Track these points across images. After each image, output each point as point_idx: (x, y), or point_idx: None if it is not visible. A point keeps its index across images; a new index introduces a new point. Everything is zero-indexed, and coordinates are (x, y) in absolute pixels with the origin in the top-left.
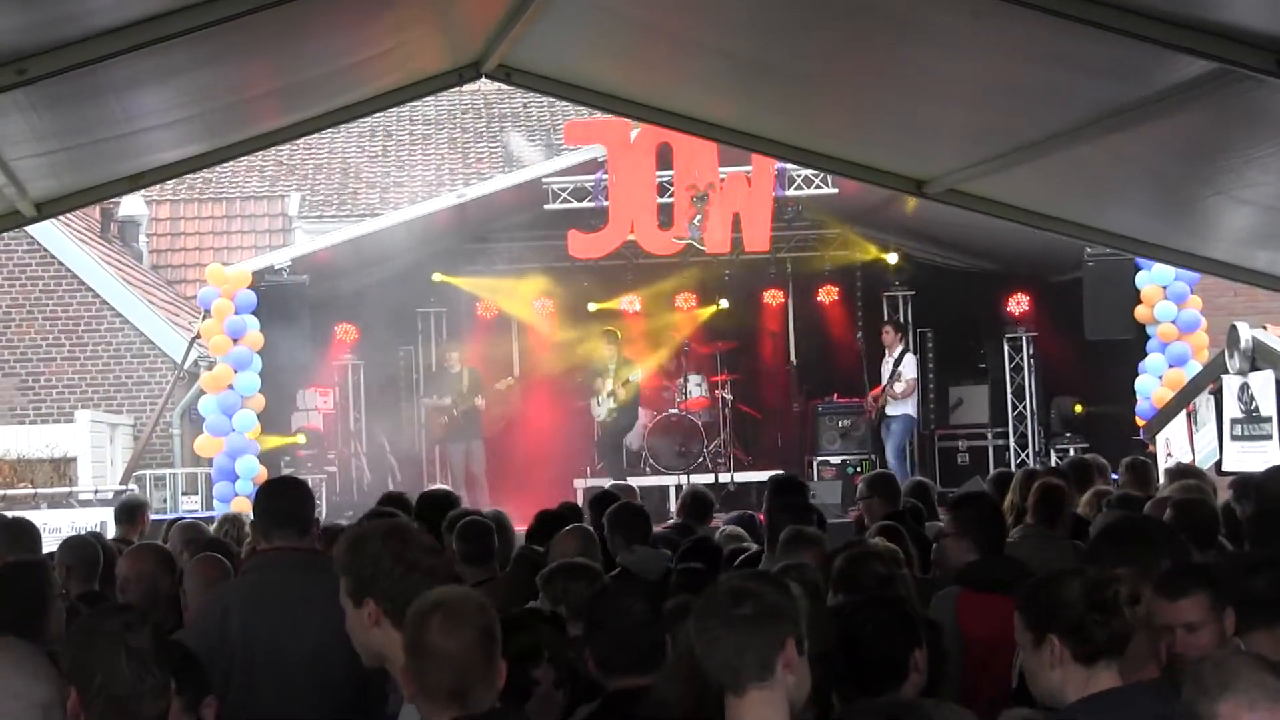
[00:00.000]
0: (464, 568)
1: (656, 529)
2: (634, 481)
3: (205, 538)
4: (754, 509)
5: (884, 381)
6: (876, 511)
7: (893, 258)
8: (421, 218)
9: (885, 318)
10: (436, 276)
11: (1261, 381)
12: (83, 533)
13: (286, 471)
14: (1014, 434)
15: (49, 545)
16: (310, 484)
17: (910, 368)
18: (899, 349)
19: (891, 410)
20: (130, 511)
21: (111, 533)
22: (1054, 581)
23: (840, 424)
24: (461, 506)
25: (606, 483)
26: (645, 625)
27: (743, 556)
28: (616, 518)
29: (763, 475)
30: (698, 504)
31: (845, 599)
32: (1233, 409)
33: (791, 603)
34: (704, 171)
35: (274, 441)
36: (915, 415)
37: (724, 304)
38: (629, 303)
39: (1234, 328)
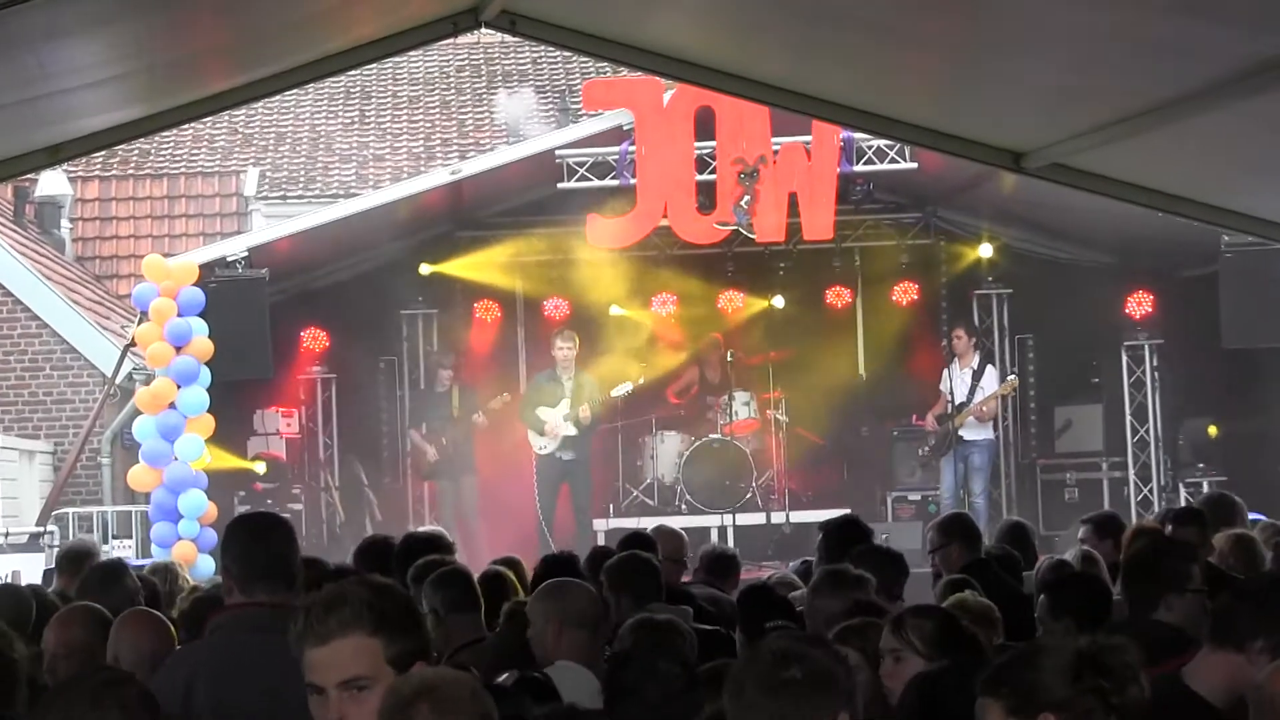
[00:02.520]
0: (453, 616)
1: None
2: (667, 523)
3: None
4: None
5: (962, 397)
6: (955, 562)
7: (986, 249)
8: (407, 199)
9: (976, 320)
10: (425, 269)
11: None
12: (18, 583)
13: (241, 510)
14: (1134, 464)
15: None
16: None
17: (994, 381)
18: (975, 357)
19: (972, 434)
20: (77, 559)
21: (28, 581)
22: (1039, 651)
23: (920, 452)
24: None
25: (634, 523)
26: (684, 693)
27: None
28: (619, 575)
29: (826, 515)
30: (719, 565)
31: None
32: None
33: (847, 673)
34: (753, 142)
35: (225, 461)
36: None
37: (778, 304)
38: (661, 303)
39: None
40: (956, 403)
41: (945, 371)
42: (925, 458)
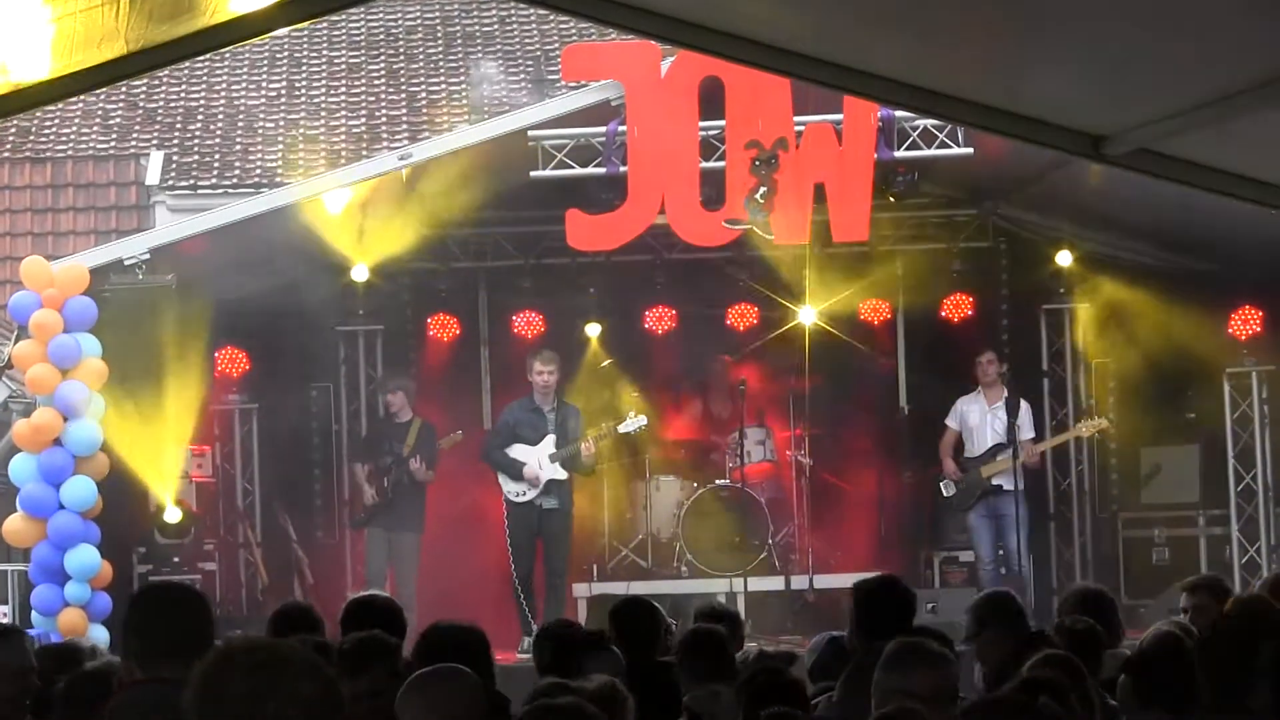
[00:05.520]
0: None
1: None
2: (664, 587)
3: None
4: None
5: (994, 439)
6: (996, 650)
7: (1064, 257)
8: (345, 189)
9: (1044, 340)
10: (362, 273)
11: None
12: None
13: (142, 570)
14: (1238, 518)
15: None
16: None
17: (1030, 421)
18: (1004, 391)
19: (1009, 482)
20: None
21: None
22: None
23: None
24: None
25: (624, 589)
26: None
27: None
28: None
29: (858, 580)
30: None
31: None
32: None
33: None
34: (771, 122)
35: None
36: None
37: (801, 320)
38: (657, 318)
39: None
40: (989, 445)
41: (960, 407)
42: (955, 511)
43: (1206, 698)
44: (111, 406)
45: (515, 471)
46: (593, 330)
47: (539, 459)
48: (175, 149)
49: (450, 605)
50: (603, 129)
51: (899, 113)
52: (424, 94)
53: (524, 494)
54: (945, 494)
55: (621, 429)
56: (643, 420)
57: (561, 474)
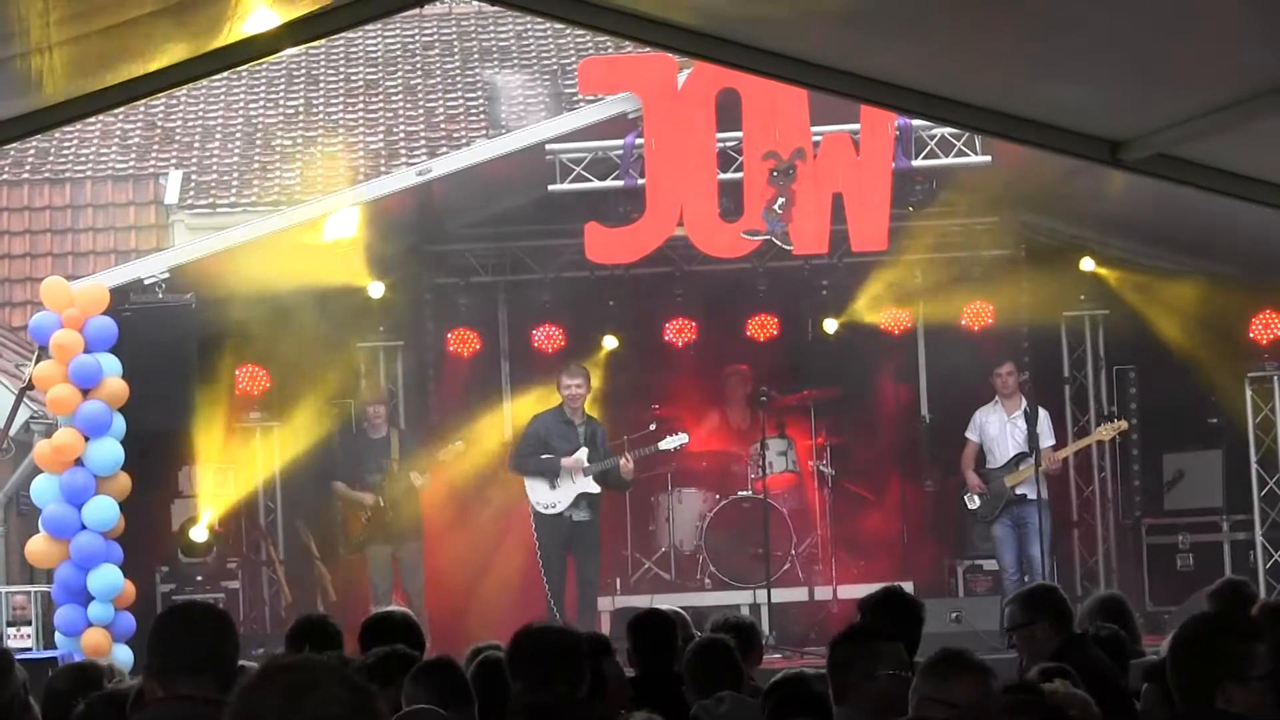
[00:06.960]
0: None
1: None
2: (687, 600)
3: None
4: None
5: (1015, 448)
6: (1043, 644)
7: (1086, 264)
8: (364, 206)
9: (1065, 346)
10: (380, 289)
11: None
12: None
13: (165, 589)
14: (1262, 523)
15: None
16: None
17: (1049, 429)
18: (1023, 401)
19: (1032, 491)
20: None
21: None
22: None
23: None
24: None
25: (646, 601)
26: None
27: None
28: (703, 660)
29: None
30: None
31: None
32: None
33: None
34: (789, 133)
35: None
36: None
37: (824, 329)
38: (677, 330)
39: None
40: (1011, 455)
41: (979, 418)
42: (980, 521)
43: (1179, 698)
44: (133, 427)
45: (553, 468)
46: (609, 343)
47: (573, 470)
48: (194, 168)
49: (477, 618)
50: (620, 142)
51: (916, 122)
52: (442, 109)
53: (553, 506)
54: (970, 507)
55: (663, 446)
56: (684, 438)
57: (594, 487)
